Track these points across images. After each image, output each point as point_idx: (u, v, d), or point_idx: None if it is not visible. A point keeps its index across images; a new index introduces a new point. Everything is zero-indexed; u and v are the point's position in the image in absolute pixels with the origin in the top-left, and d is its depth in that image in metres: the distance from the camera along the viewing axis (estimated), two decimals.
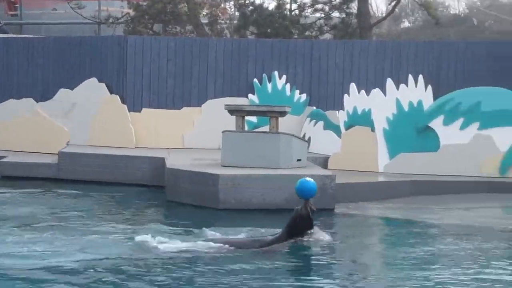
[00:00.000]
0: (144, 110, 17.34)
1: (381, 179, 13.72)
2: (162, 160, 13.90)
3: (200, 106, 17.73)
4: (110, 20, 28.25)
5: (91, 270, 7.21)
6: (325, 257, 8.07)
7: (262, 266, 7.58)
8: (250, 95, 17.86)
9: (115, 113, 16.90)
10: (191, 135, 17.42)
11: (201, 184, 11.71)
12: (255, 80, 17.98)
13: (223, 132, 13.04)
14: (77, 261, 7.57)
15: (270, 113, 13.16)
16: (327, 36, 27.37)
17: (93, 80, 17.19)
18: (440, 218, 10.78)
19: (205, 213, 10.80)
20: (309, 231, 8.63)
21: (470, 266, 7.65)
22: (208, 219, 10.18)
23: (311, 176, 11.39)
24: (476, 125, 13.99)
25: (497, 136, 13.82)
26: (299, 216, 8.55)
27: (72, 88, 17.37)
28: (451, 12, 36.15)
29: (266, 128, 13.90)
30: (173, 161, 13.35)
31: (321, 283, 6.96)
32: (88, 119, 16.99)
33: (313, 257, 8.17)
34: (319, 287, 6.92)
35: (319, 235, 8.75)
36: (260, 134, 13.61)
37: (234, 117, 13.16)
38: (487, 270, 7.51)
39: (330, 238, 8.86)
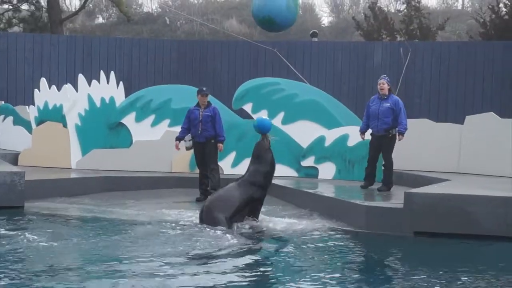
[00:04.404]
0: None
1: (73, 175, 13.56)
2: None
3: None
4: None
5: None
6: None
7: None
8: None
9: None
10: None
11: None
12: None
13: None
14: None
15: None
16: (17, 29, 26.49)
17: None
18: (128, 214, 10.84)
19: None
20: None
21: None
22: None
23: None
24: (166, 122, 14.35)
25: None
26: (261, 146, 10.02)
27: None
28: (144, 10, 36.71)
29: None
30: None
31: None
32: None
33: None
34: None
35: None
36: None
37: None
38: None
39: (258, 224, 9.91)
